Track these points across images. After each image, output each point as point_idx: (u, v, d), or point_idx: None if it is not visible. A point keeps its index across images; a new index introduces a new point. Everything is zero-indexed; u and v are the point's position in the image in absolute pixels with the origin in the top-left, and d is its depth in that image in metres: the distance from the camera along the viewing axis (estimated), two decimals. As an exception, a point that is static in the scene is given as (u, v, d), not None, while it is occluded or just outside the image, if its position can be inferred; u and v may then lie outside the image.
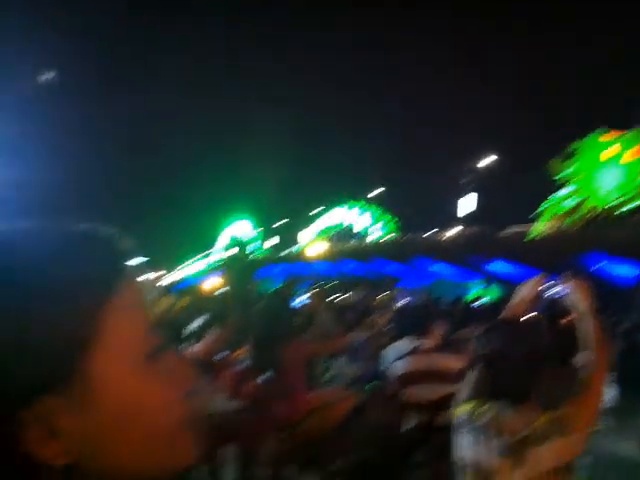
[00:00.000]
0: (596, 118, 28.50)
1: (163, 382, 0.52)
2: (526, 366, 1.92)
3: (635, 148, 25.96)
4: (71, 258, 0.49)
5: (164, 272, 62.87)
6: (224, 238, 68.69)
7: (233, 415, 3.42)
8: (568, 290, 2.19)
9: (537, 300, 2.43)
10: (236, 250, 66.04)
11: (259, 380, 4.14)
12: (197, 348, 3.61)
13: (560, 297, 2.83)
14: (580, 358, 2.09)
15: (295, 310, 6.10)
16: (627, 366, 5.77)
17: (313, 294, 7.31)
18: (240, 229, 67.17)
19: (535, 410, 1.91)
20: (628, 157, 26.11)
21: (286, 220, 64.36)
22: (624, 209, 26.17)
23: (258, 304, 5.12)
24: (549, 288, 5.22)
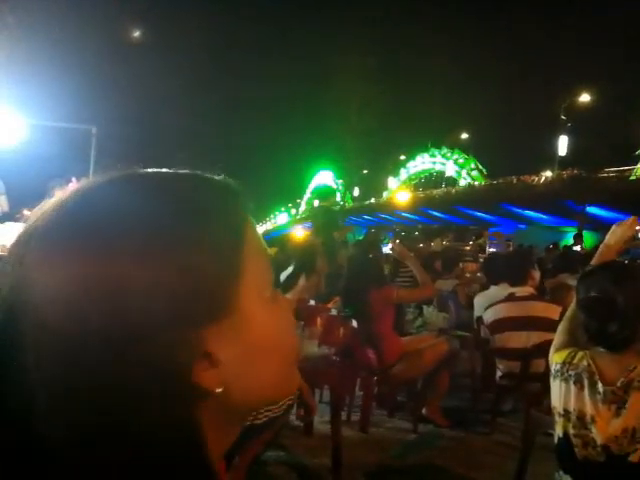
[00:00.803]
0: None
1: (284, 318, 0.55)
2: (627, 312, 1.83)
3: None
4: (223, 196, 0.53)
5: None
6: (310, 189, 69.31)
7: (323, 361, 3.48)
8: None
9: (632, 243, 2.30)
10: (322, 200, 66.52)
11: (348, 327, 4.19)
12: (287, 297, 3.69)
13: None
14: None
15: (382, 258, 6.08)
16: None
17: (400, 241, 7.26)
18: (324, 180, 67.51)
19: (634, 357, 1.84)
20: None
21: (368, 171, 63.97)
22: None
23: (346, 253, 5.15)
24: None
